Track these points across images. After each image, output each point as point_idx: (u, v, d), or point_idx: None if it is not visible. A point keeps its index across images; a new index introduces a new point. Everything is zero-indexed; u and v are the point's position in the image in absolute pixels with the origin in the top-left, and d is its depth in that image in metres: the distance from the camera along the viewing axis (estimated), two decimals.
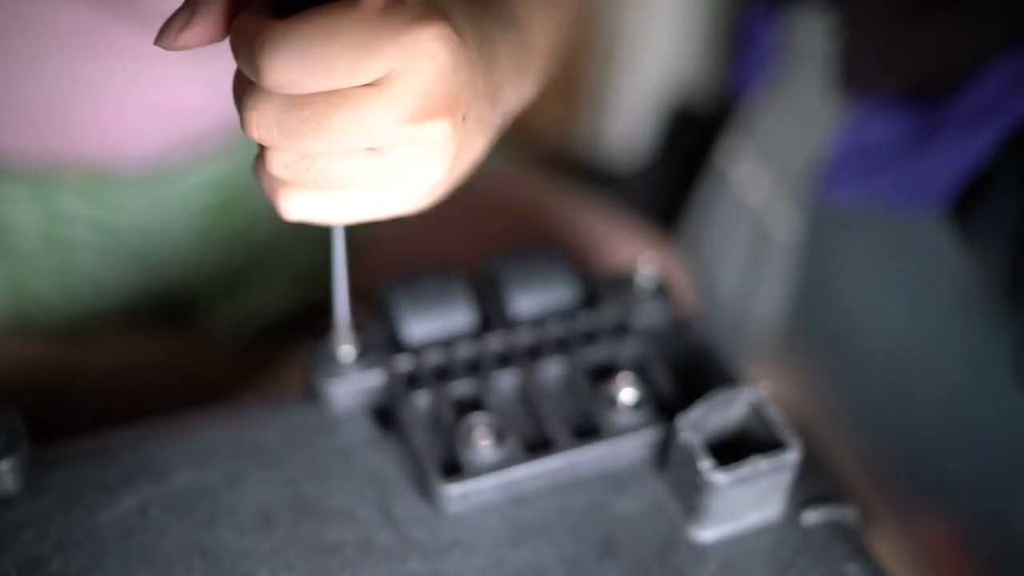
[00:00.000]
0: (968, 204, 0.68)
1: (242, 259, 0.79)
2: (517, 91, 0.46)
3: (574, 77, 1.40)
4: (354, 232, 0.82)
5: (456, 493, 0.44)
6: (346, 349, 0.48)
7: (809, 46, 0.80)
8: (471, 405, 0.48)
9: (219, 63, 0.71)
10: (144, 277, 0.78)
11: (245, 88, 0.36)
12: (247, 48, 0.35)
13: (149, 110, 0.72)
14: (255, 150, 0.39)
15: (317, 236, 0.77)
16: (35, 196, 0.73)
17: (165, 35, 0.37)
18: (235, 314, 0.77)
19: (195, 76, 0.71)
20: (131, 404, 0.52)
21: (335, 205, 0.39)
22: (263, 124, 0.36)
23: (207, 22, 0.37)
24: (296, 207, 0.39)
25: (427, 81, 0.36)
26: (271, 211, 0.39)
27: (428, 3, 0.36)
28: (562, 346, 0.50)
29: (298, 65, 0.34)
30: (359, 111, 0.35)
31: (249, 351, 0.76)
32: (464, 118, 0.38)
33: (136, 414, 0.48)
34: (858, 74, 0.75)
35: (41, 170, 0.72)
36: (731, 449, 0.45)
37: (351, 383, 0.47)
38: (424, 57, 0.36)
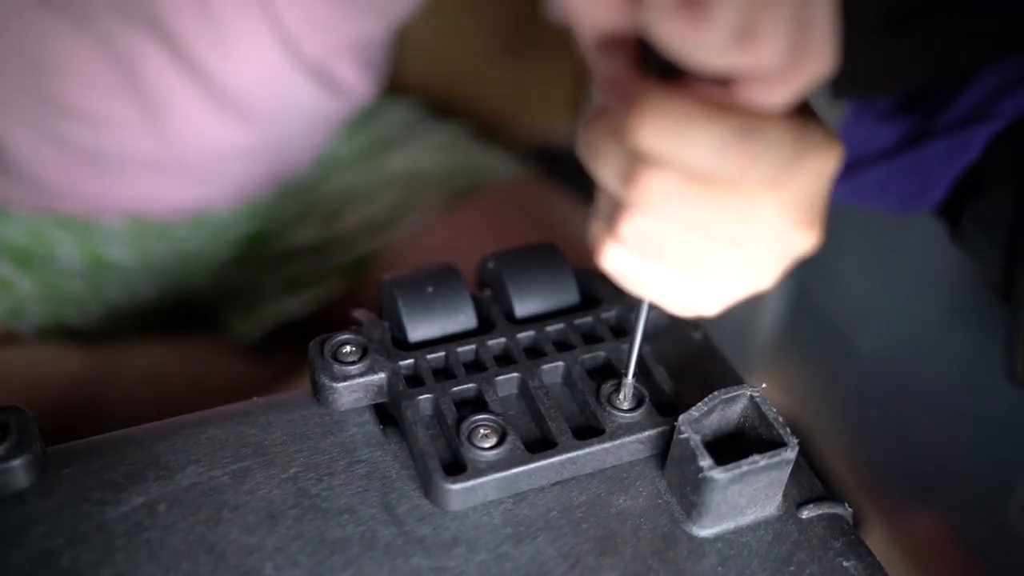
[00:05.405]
0: (957, 204, 0.68)
1: (261, 270, 0.80)
2: None
3: (581, 81, 1.41)
4: (369, 239, 0.82)
5: (458, 492, 0.44)
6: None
7: None
8: (472, 404, 0.48)
9: (266, 129, 0.72)
10: (172, 286, 0.79)
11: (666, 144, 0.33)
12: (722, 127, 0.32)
13: (195, 169, 0.73)
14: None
15: (322, 240, 0.78)
16: (75, 219, 0.74)
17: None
18: (251, 318, 0.78)
19: (244, 135, 0.71)
20: (155, 408, 0.52)
21: (659, 282, 0.37)
22: (661, 184, 0.33)
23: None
24: (618, 264, 0.37)
25: (818, 196, 0.36)
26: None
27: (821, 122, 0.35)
28: (563, 346, 0.51)
29: (749, 154, 0.32)
30: (759, 202, 0.34)
31: (266, 354, 0.77)
32: None
33: (159, 417, 0.48)
34: (850, 81, 0.76)
35: (85, 209, 0.74)
36: (729, 446, 0.46)
37: (355, 382, 0.48)
38: (824, 177, 0.35)
